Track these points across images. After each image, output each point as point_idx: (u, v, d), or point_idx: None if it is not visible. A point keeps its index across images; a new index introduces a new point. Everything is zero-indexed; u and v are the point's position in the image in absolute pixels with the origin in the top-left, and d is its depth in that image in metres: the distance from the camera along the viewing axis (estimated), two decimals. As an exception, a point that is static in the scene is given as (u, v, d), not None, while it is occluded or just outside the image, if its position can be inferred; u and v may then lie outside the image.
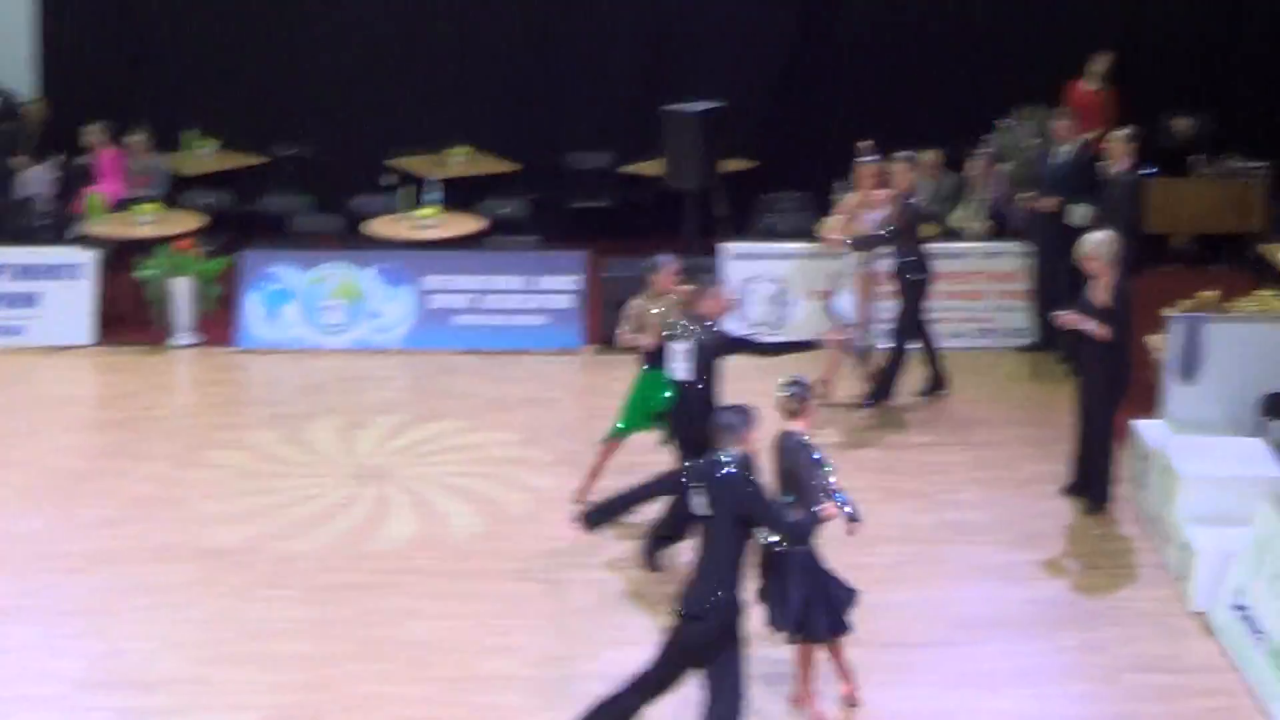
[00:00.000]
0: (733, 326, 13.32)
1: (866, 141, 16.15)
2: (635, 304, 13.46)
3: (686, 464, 10.76)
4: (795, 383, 10.68)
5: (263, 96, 21.32)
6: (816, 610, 10.65)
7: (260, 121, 21.26)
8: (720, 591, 9.70)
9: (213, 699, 11.07)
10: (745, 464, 9.88)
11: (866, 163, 15.81)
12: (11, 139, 20.07)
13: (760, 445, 10.15)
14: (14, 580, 12.64)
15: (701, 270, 14.03)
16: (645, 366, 13.30)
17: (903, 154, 15.65)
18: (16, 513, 13.77)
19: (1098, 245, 13.42)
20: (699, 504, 9.80)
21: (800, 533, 10.34)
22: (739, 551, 9.82)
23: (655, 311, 13.21)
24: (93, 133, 19.90)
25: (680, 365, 12.50)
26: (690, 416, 12.29)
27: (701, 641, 9.77)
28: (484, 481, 14.38)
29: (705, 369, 12.48)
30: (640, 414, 13.28)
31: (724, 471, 9.77)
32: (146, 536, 13.32)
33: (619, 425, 13.46)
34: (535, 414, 15.85)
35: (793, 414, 10.66)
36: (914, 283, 15.56)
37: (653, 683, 9.97)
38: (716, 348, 12.48)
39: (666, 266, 13.35)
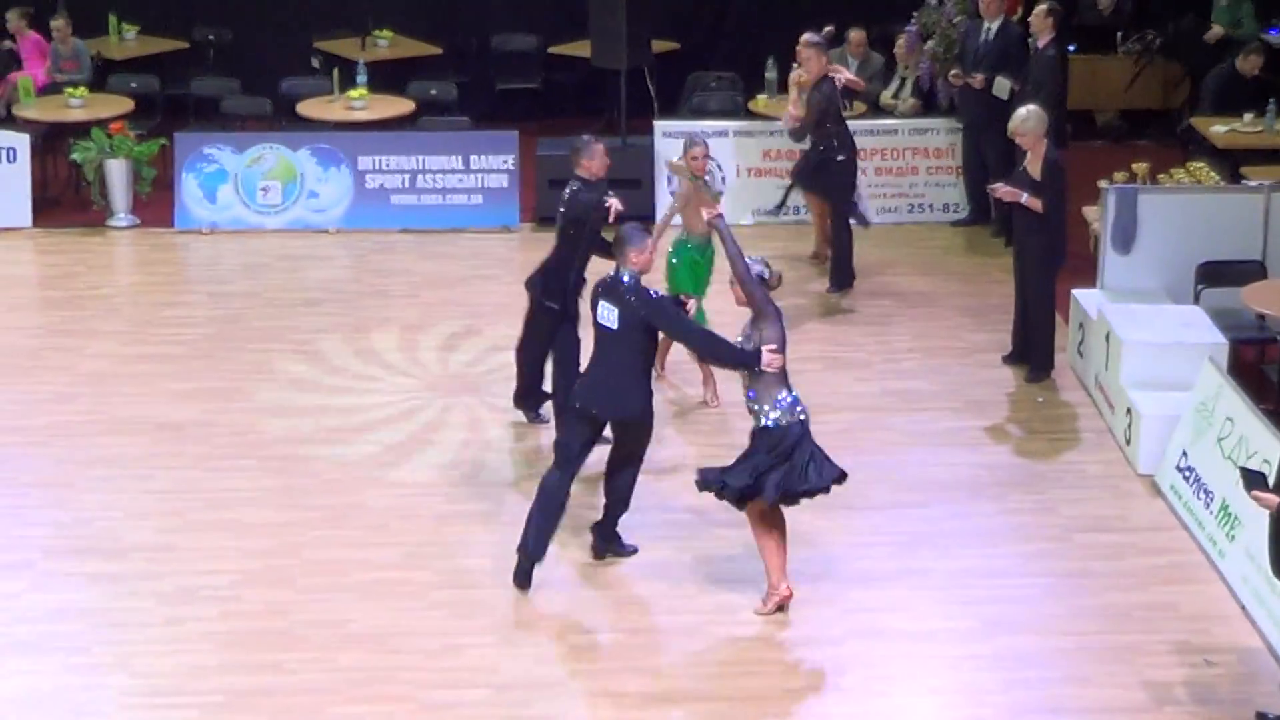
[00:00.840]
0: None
1: (828, 28, 16.24)
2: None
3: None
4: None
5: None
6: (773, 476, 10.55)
7: (180, 5, 21.01)
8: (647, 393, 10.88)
9: (182, 565, 11.13)
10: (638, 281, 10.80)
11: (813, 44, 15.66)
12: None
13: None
14: (-23, 455, 12.63)
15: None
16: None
17: (812, 37, 15.63)
18: (-28, 390, 13.72)
19: (1025, 119, 13.54)
20: (606, 316, 10.72)
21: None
22: (648, 359, 10.96)
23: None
24: (13, 18, 19.62)
25: None
26: None
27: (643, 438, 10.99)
28: (429, 354, 14.42)
29: None
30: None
31: (626, 284, 10.72)
32: (102, 411, 13.30)
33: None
34: (476, 291, 15.85)
35: None
36: (842, 164, 15.54)
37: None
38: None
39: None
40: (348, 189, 17.52)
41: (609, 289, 10.84)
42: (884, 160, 17.54)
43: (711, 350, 10.94)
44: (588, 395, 10.91)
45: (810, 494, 10.52)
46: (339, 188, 17.51)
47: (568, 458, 10.96)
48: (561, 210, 12.63)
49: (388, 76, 19.28)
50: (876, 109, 18.12)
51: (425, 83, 19.32)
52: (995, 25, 16.85)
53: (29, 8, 19.74)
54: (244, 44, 20.69)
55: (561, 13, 20.29)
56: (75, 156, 17.44)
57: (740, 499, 10.52)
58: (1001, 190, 13.64)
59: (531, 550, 10.83)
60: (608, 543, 11.29)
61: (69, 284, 16.02)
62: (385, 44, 20.10)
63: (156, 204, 17.58)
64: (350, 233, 17.32)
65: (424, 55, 20.30)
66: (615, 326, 10.74)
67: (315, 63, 20.06)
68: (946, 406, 13.47)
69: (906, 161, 17.62)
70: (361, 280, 16.20)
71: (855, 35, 18.30)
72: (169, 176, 17.60)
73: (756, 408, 10.45)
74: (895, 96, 18.22)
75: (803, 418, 10.49)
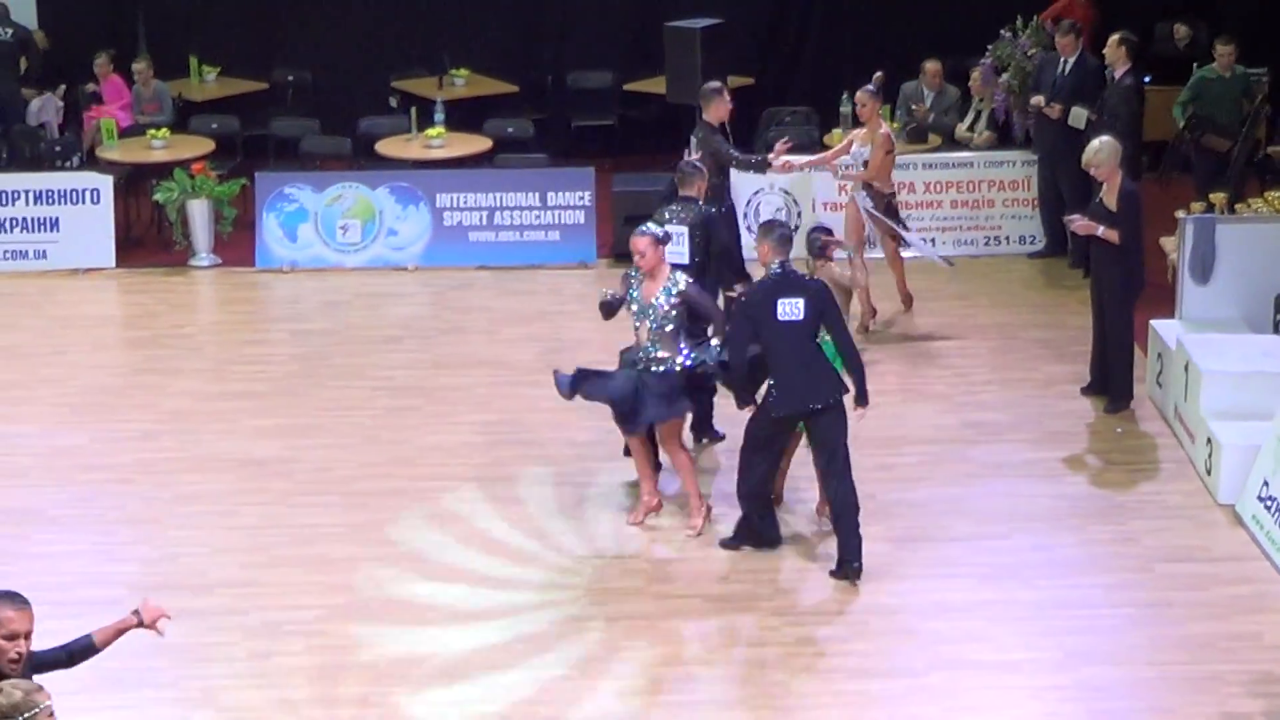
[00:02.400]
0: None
1: (878, 74, 16.27)
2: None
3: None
4: None
5: (260, 22, 21.31)
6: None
7: (258, 47, 21.26)
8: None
9: (267, 600, 11.23)
10: None
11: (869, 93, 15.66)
12: (23, 68, 19.99)
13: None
14: (63, 491, 12.79)
15: None
16: None
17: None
18: (57, 427, 13.89)
19: (1098, 150, 13.53)
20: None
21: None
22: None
23: None
24: (99, 61, 19.90)
25: None
26: None
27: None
28: (510, 390, 14.51)
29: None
30: None
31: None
32: (186, 448, 13.45)
33: None
34: (554, 327, 15.95)
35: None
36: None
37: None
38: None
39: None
40: (426, 227, 17.67)
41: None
42: (960, 193, 17.59)
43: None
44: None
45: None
46: (417, 225, 17.66)
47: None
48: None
49: (465, 115, 19.43)
50: (952, 141, 18.16)
51: (502, 120, 19.47)
52: (1072, 60, 16.87)
53: (112, 50, 20.04)
54: (323, 85, 20.93)
55: (636, 49, 20.45)
56: (158, 197, 17.67)
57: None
58: (1078, 224, 13.65)
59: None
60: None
61: (152, 323, 16.22)
62: (462, 83, 20.29)
63: (238, 243, 17.78)
64: (429, 270, 17.46)
65: (500, 93, 20.47)
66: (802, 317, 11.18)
67: (393, 102, 20.28)
68: (1025, 438, 13.46)
69: (982, 194, 17.65)
70: (440, 317, 16.32)
71: (930, 67, 18.38)
72: (250, 216, 17.81)
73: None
74: (970, 129, 18.24)
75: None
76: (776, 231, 11.41)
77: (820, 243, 12.84)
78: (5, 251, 17.59)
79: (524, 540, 11.99)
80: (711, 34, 17.76)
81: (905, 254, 15.89)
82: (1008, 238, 17.66)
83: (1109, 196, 13.47)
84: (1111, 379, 13.86)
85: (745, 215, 17.26)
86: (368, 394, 14.45)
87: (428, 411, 14.13)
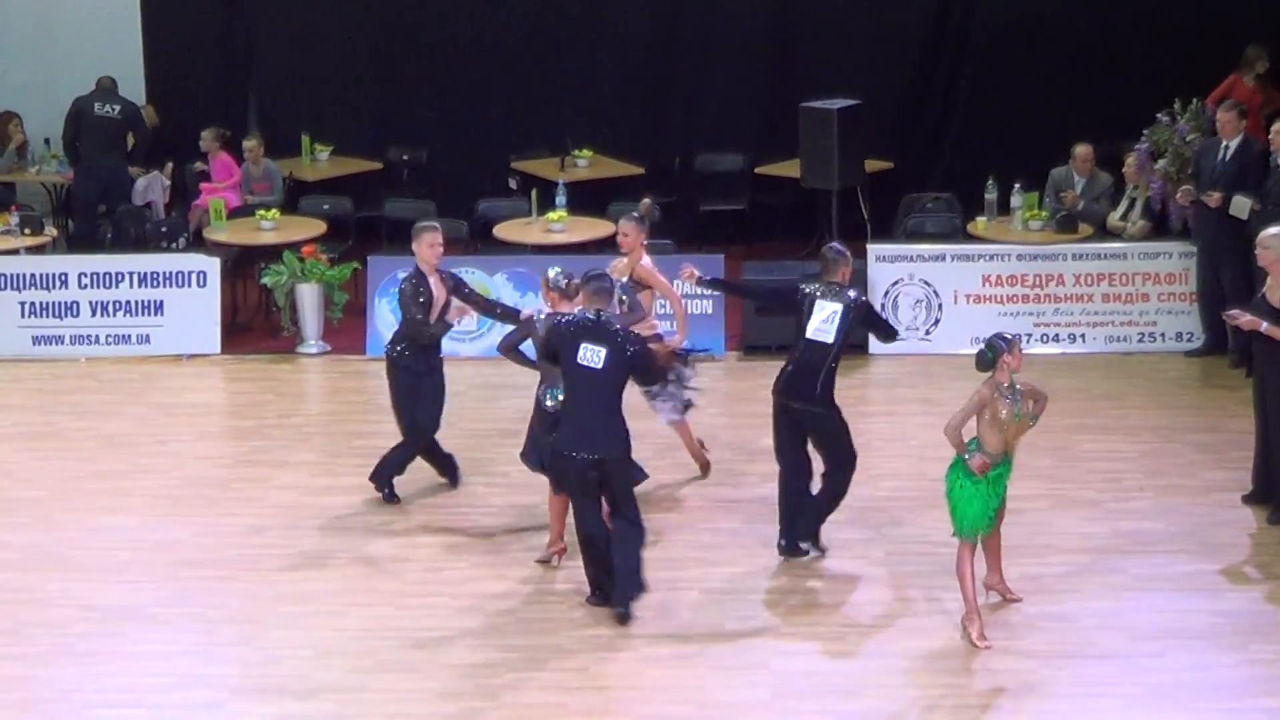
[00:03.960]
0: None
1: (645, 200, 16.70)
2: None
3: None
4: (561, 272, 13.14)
5: (374, 99, 21.57)
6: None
7: (373, 125, 21.52)
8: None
9: (373, 706, 11.24)
10: None
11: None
12: (131, 146, 20.29)
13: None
14: (163, 587, 12.88)
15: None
16: None
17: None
18: (159, 520, 14.02)
19: (1270, 239, 13.41)
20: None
21: None
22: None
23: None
24: (207, 139, 20.17)
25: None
26: None
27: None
28: (635, 489, 14.43)
29: None
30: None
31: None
32: (292, 544, 13.53)
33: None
34: (680, 422, 15.92)
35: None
36: None
37: None
38: None
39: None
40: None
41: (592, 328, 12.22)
42: (1112, 285, 17.45)
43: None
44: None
45: None
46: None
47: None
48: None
49: (587, 197, 19.50)
50: (1104, 231, 18.04)
51: (626, 204, 19.48)
52: (1234, 143, 16.75)
53: (224, 129, 20.30)
54: (439, 165, 21.10)
55: (769, 130, 20.51)
56: (266, 280, 17.84)
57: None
58: (1242, 320, 13.49)
59: None
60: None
61: (258, 412, 16.34)
62: (585, 164, 20.39)
63: (348, 330, 17.90)
64: (549, 361, 17.48)
65: (625, 175, 20.55)
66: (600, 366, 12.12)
67: (512, 184, 20.39)
68: (1182, 549, 13.28)
69: (1136, 287, 17.50)
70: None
71: (1081, 151, 18.26)
72: (361, 302, 17.94)
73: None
74: (1124, 218, 18.10)
75: None
76: (592, 284, 12.43)
77: None
78: (108, 335, 17.82)
79: (648, 648, 11.92)
80: (849, 115, 17.81)
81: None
82: (1163, 334, 17.51)
83: (1274, 291, 13.32)
84: (1276, 486, 13.67)
85: (884, 306, 17.21)
86: (481, 491, 14.46)
87: (544, 511, 14.09)
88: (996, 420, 11.68)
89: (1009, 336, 11.77)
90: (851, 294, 13.01)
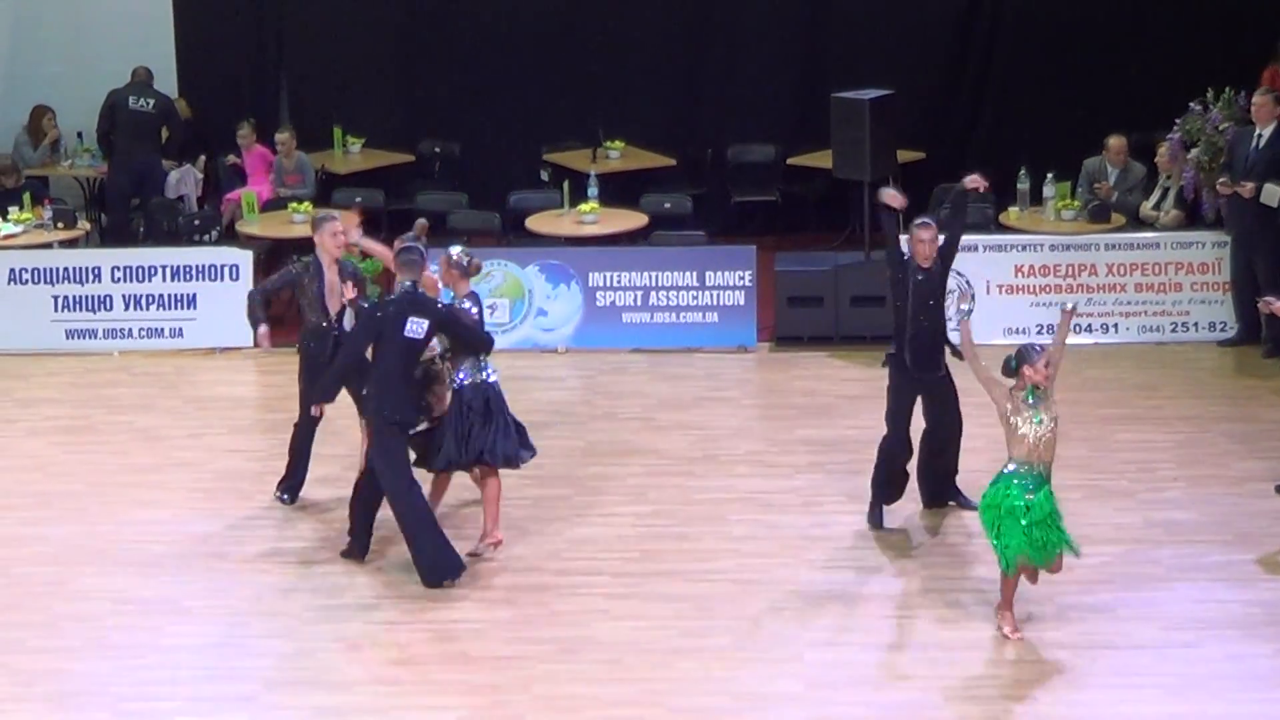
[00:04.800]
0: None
1: (421, 221, 14.85)
2: None
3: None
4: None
5: (406, 92, 21.58)
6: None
7: (404, 118, 21.53)
8: None
9: (407, 699, 11.25)
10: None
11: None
12: (165, 139, 20.32)
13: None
14: (198, 580, 12.92)
15: None
16: None
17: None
18: (192, 513, 14.07)
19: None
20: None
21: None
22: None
23: None
24: (242, 131, 20.20)
25: None
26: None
27: None
28: (664, 480, 14.48)
29: None
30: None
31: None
32: (325, 537, 13.55)
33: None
34: (711, 414, 15.91)
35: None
36: None
37: None
38: None
39: None
40: (577, 307, 17.72)
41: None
42: (1145, 275, 17.41)
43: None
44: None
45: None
46: (568, 305, 17.71)
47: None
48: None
49: (619, 189, 19.51)
50: (1137, 221, 17.98)
51: (659, 195, 19.50)
52: (1268, 131, 16.70)
53: (254, 120, 20.32)
54: (471, 157, 21.10)
55: (801, 121, 20.48)
56: (298, 273, 17.83)
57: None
58: (1277, 307, 13.45)
59: None
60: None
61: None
62: (617, 155, 20.36)
63: (381, 322, 17.86)
64: (580, 352, 17.52)
65: (657, 167, 20.53)
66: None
67: (544, 175, 20.40)
68: (1216, 539, 13.23)
69: (1169, 277, 17.45)
70: (592, 403, 16.35)
71: (1114, 143, 18.20)
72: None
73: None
74: (1157, 208, 18.04)
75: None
76: (403, 255, 12.91)
77: None
78: (141, 329, 17.87)
79: (680, 640, 11.91)
80: (881, 106, 17.75)
81: None
82: (1196, 324, 17.46)
83: (1311, 278, 13.30)
84: (1310, 477, 13.65)
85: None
86: (514, 483, 14.42)
87: (577, 502, 14.13)
88: (1016, 433, 11.65)
89: (1039, 349, 11.73)
90: None
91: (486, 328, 13.36)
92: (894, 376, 13.31)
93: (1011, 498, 11.56)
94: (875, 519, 13.47)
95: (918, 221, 13.34)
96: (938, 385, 13.31)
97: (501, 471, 13.12)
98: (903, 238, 13.50)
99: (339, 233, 14.12)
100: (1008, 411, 11.58)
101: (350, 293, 13.46)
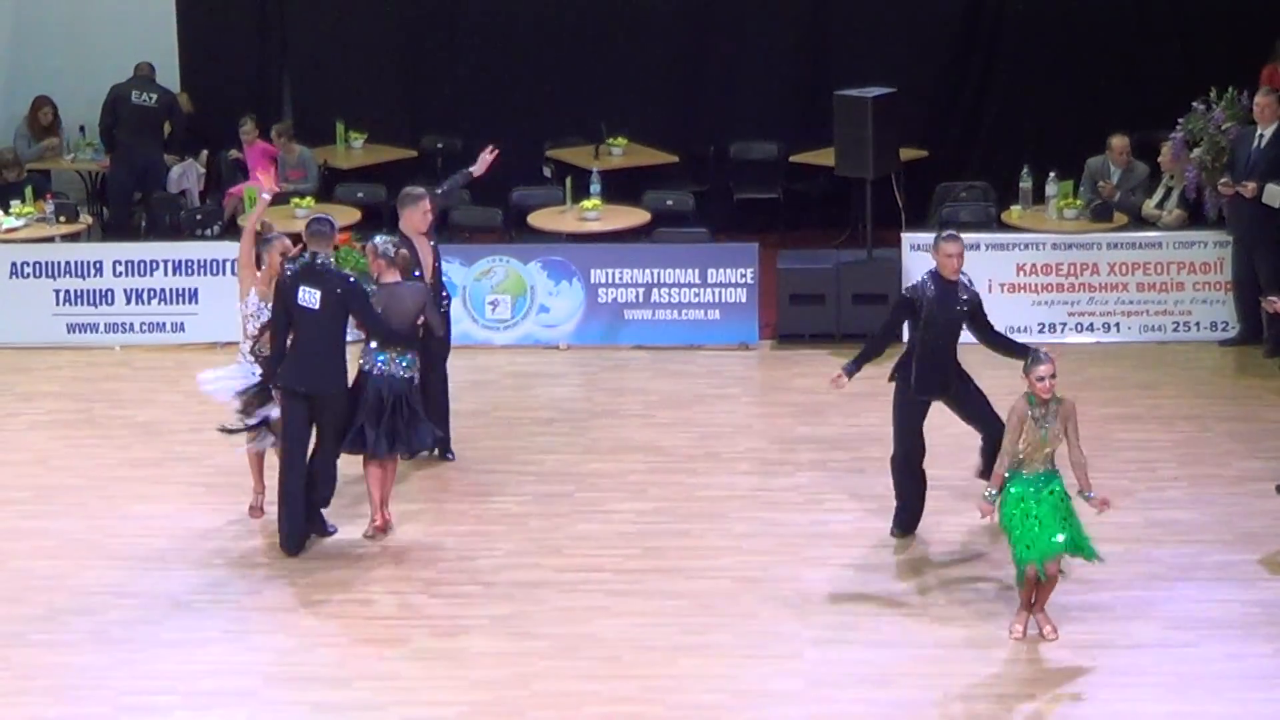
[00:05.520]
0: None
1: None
2: None
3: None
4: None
5: (409, 87, 21.58)
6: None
7: (407, 113, 21.53)
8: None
9: (407, 695, 11.26)
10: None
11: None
12: (167, 134, 20.33)
13: None
14: (198, 575, 12.94)
15: None
16: None
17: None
18: (193, 508, 14.07)
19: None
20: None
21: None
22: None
23: None
24: (245, 126, 20.20)
25: None
26: None
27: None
28: (665, 478, 14.50)
29: None
30: None
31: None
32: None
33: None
34: (713, 412, 15.93)
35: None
36: None
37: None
38: None
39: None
40: (579, 303, 17.72)
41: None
42: (1147, 275, 17.41)
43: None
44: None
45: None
46: (570, 302, 17.72)
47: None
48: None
49: (622, 186, 19.49)
50: (1139, 220, 17.96)
51: (661, 192, 19.49)
52: (1270, 131, 16.70)
53: (255, 115, 20.33)
54: (473, 153, 20.83)
55: (804, 119, 20.46)
56: (300, 268, 17.84)
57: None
58: (1278, 304, 13.47)
59: None
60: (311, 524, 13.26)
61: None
62: (619, 152, 20.36)
63: (382, 318, 17.87)
64: (582, 349, 17.52)
65: (659, 164, 20.51)
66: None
67: (547, 172, 20.39)
68: (1216, 539, 13.25)
69: (1171, 276, 17.46)
70: (593, 399, 16.36)
71: (1117, 142, 18.18)
72: (395, 289, 17.91)
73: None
74: (1159, 207, 18.04)
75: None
76: (311, 226, 13.20)
77: None
78: (142, 323, 17.89)
79: (681, 637, 11.92)
80: (884, 103, 17.75)
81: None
82: (1198, 323, 17.46)
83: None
84: (1311, 476, 13.66)
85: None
86: (515, 479, 14.48)
87: (578, 499, 14.14)
88: (1027, 439, 11.68)
89: (1043, 356, 11.77)
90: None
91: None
92: (898, 394, 13.21)
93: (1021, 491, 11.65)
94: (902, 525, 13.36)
95: (944, 234, 13.22)
96: (949, 399, 13.16)
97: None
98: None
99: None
100: (1024, 418, 11.65)
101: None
